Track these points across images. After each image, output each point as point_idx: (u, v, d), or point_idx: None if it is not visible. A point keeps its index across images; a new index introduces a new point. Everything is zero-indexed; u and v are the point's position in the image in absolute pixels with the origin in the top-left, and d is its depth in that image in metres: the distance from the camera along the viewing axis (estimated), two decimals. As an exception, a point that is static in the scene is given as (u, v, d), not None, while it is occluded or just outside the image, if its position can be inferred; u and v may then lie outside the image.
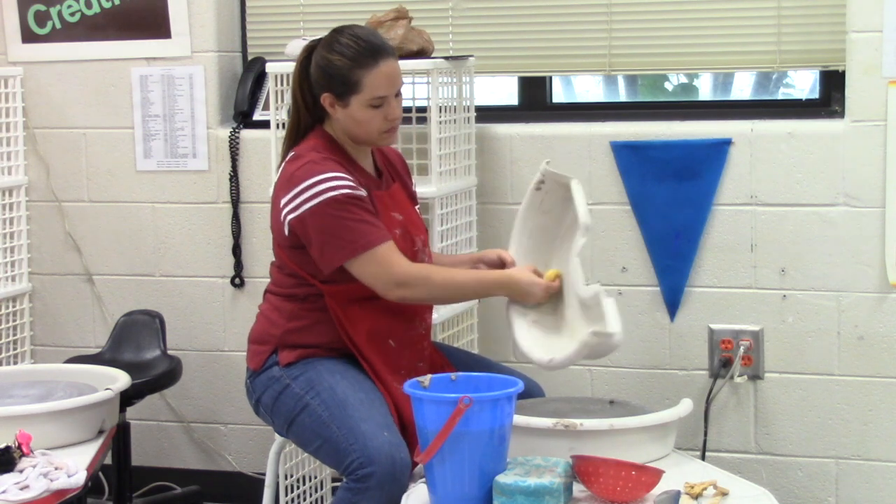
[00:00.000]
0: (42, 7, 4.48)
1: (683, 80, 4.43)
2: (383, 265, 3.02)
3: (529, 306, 3.24)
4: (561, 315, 3.23)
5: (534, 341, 3.19)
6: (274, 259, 3.23)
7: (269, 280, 3.27)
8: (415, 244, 3.20)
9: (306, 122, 3.20)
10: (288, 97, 3.86)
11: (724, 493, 2.84)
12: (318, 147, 3.12)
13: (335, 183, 3.02)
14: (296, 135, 3.21)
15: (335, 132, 3.18)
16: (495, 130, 4.15)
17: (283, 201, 3.05)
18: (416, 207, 3.35)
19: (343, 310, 3.10)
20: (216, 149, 4.38)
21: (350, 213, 3.00)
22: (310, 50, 3.18)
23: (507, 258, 3.31)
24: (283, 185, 3.07)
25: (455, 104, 3.90)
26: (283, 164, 3.15)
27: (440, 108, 3.74)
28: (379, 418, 2.98)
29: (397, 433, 2.98)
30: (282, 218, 3.07)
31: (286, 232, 3.08)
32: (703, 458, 3.89)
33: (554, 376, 4.06)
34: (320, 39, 3.18)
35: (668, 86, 4.45)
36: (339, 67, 3.09)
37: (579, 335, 3.03)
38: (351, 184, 3.04)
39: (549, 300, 3.23)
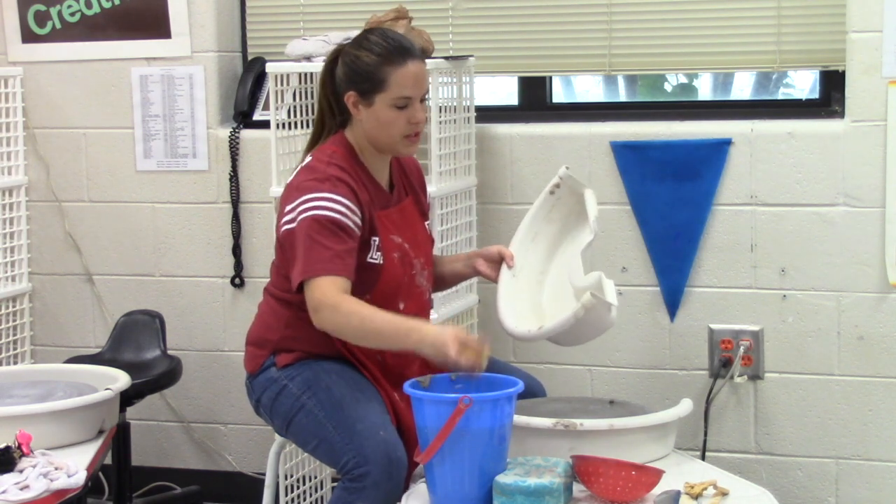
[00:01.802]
0: (42, 7, 4.48)
1: (683, 80, 4.43)
2: (314, 290, 2.92)
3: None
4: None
5: (520, 315, 3.18)
6: (275, 258, 3.23)
7: (269, 279, 3.26)
8: (413, 267, 3.15)
9: (329, 125, 3.17)
10: (288, 97, 3.87)
11: (724, 493, 2.84)
12: (336, 156, 3.07)
13: (327, 204, 2.96)
14: (318, 138, 3.18)
15: (356, 138, 3.12)
16: (495, 130, 4.15)
17: (287, 209, 3.01)
18: (427, 223, 3.31)
19: None
20: (216, 149, 4.38)
21: (321, 238, 2.93)
22: (338, 52, 3.14)
23: (506, 253, 3.27)
24: (291, 193, 3.03)
25: (455, 104, 3.90)
26: (299, 167, 3.11)
27: (440, 107, 3.74)
28: (375, 418, 2.97)
29: (394, 432, 2.97)
30: (279, 224, 3.04)
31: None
32: (703, 458, 3.89)
33: (554, 376, 4.07)
34: (349, 41, 3.15)
35: (668, 86, 4.45)
36: (368, 64, 3.04)
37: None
38: (341, 209, 2.97)
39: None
